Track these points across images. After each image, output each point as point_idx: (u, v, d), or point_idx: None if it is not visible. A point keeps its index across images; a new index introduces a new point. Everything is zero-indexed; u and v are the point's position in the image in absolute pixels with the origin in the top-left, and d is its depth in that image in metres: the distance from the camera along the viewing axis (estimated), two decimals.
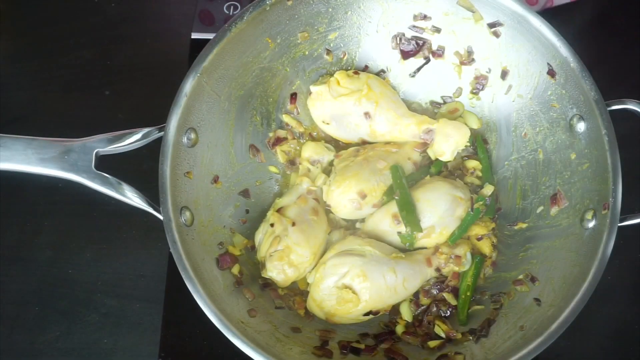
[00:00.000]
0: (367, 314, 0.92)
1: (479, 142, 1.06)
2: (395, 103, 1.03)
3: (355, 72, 1.04)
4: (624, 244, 0.88)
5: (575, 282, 0.85)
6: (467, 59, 1.05)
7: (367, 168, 0.98)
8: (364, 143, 1.06)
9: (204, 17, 1.25)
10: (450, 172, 1.06)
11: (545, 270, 0.93)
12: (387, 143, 1.04)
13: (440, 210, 0.96)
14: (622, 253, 0.87)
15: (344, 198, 0.97)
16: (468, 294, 0.96)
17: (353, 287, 0.91)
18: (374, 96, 1.01)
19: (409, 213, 0.95)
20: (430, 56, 1.07)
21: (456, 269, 0.97)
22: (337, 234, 1.01)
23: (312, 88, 1.03)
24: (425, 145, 1.03)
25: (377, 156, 1.00)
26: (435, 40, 1.06)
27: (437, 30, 1.05)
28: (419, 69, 1.09)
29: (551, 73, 0.96)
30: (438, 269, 0.97)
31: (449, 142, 1.01)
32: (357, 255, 0.92)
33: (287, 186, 1.06)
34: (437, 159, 1.04)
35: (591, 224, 0.89)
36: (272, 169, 1.06)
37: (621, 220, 0.86)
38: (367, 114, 1.01)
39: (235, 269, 0.94)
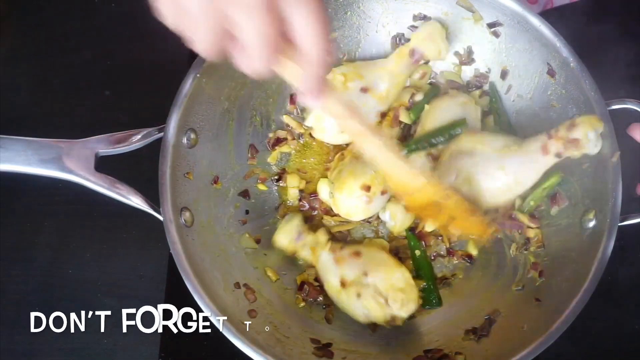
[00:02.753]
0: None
1: (492, 90, 1.05)
2: (371, 63, 1.04)
3: None
4: (624, 244, 0.88)
5: (575, 282, 0.85)
6: (467, 59, 1.05)
7: (358, 163, 0.97)
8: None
9: None
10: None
11: (545, 270, 0.93)
12: None
13: (446, 109, 0.99)
14: (622, 253, 0.87)
15: (352, 199, 0.96)
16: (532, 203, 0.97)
17: (471, 193, 0.90)
18: (352, 75, 1.01)
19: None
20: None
21: (577, 153, 0.87)
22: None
23: (309, 122, 1.04)
24: (420, 62, 1.04)
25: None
26: None
27: None
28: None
29: (551, 73, 0.96)
30: (559, 155, 0.89)
31: (435, 41, 1.01)
32: (465, 155, 0.91)
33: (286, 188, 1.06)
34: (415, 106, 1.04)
35: (591, 224, 0.89)
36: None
37: (621, 220, 0.86)
38: (363, 89, 1.01)
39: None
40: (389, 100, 1.03)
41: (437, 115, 0.99)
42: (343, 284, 0.91)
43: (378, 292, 0.90)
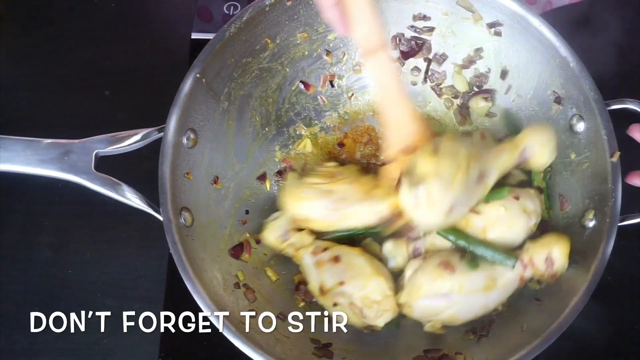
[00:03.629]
0: None
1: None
2: (489, 148, 0.92)
3: (434, 152, 0.84)
4: (624, 244, 0.88)
5: (575, 282, 0.85)
6: (467, 59, 1.05)
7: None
8: None
9: (202, 13, 1.25)
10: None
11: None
12: None
13: (517, 231, 0.91)
14: (622, 253, 0.87)
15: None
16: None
17: (446, 324, 0.90)
18: (476, 158, 0.87)
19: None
20: (430, 56, 1.07)
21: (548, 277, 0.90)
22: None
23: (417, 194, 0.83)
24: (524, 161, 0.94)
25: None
26: (434, 40, 1.06)
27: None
28: (426, 72, 1.08)
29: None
30: (530, 279, 0.92)
31: (547, 150, 0.92)
32: (437, 297, 0.88)
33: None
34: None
35: (591, 224, 0.89)
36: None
37: (621, 220, 0.86)
38: (480, 177, 0.88)
39: (241, 275, 0.94)
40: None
41: (496, 225, 0.91)
42: (322, 291, 0.91)
43: (353, 303, 0.89)
